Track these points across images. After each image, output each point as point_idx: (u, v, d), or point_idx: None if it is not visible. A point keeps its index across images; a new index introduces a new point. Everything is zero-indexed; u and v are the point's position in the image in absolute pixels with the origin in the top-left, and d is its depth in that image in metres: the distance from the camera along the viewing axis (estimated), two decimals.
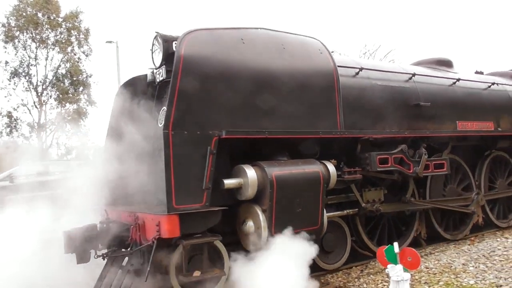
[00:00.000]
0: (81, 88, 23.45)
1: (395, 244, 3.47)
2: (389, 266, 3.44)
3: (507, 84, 7.87)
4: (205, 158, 3.90)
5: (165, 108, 4.87)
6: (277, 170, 4.20)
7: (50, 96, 22.75)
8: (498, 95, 7.39)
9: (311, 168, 4.46)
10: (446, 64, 7.42)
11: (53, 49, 22.37)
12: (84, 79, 23.51)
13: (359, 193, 5.32)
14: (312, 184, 4.40)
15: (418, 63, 7.36)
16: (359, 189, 5.36)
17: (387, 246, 3.54)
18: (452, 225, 6.55)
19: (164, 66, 4.80)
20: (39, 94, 22.37)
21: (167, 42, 4.75)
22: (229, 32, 4.43)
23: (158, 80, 4.99)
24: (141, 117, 5.04)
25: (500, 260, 5.07)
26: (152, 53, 5.01)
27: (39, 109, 22.48)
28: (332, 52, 5.23)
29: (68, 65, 22.63)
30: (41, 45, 21.93)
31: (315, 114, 4.66)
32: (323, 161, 4.68)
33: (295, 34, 4.96)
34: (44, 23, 21.79)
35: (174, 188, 3.72)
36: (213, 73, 4.10)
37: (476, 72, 8.51)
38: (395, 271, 3.38)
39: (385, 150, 5.38)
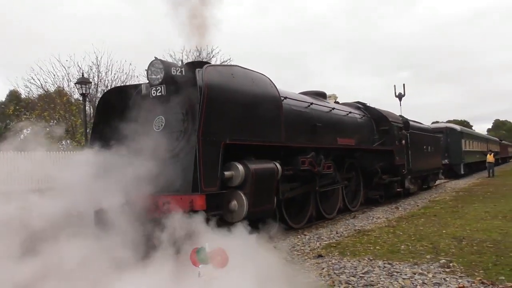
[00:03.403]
0: None
1: (206, 245, 3.63)
2: (200, 266, 3.56)
3: (355, 113, 11.40)
4: (218, 157, 5.61)
5: (161, 116, 6.33)
6: (254, 166, 6.15)
7: None
8: (352, 120, 10.80)
9: (270, 165, 6.55)
10: (322, 95, 10.48)
11: None
12: None
13: None
14: (271, 176, 6.49)
15: (305, 93, 10.17)
16: None
17: (199, 247, 3.66)
18: (328, 208, 9.47)
19: (164, 85, 6.23)
20: None
21: (167, 67, 6.21)
22: (223, 68, 6.23)
23: (154, 95, 6.33)
24: (138, 121, 6.30)
25: (298, 255, 6.08)
26: (149, 73, 6.34)
27: None
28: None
29: None
30: None
31: (271, 128, 6.79)
32: (273, 161, 6.82)
33: (255, 71, 6.99)
34: None
35: (203, 176, 5.34)
36: (220, 97, 5.83)
37: (335, 102, 11.92)
38: (206, 269, 3.53)
39: (301, 156, 7.82)
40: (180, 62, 6.18)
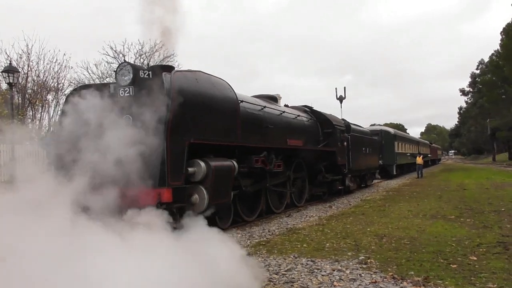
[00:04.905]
0: None
1: None
2: None
3: (302, 116, 12.36)
4: (183, 154, 6.19)
5: (128, 116, 6.78)
6: (214, 163, 6.79)
7: None
8: (300, 123, 11.73)
9: (228, 163, 7.22)
10: (274, 99, 11.30)
11: None
12: None
13: None
14: (229, 173, 7.17)
15: (257, 96, 10.91)
16: None
17: None
18: (277, 203, 10.31)
19: (132, 86, 6.68)
20: None
21: (136, 69, 6.67)
22: (188, 73, 6.79)
23: (122, 95, 6.76)
24: (105, 119, 6.69)
25: None
26: (118, 75, 6.74)
27: None
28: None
29: None
30: None
31: (230, 129, 7.46)
32: (230, 159, 7.49)
33: (215, 76, 7.62)
34: None
35: (170, 171, 5.90)
36: (186, 100, 6.40)
37: (285, 105, 12.81)
38: None
39: (254, 155, 8.56)
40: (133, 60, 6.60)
